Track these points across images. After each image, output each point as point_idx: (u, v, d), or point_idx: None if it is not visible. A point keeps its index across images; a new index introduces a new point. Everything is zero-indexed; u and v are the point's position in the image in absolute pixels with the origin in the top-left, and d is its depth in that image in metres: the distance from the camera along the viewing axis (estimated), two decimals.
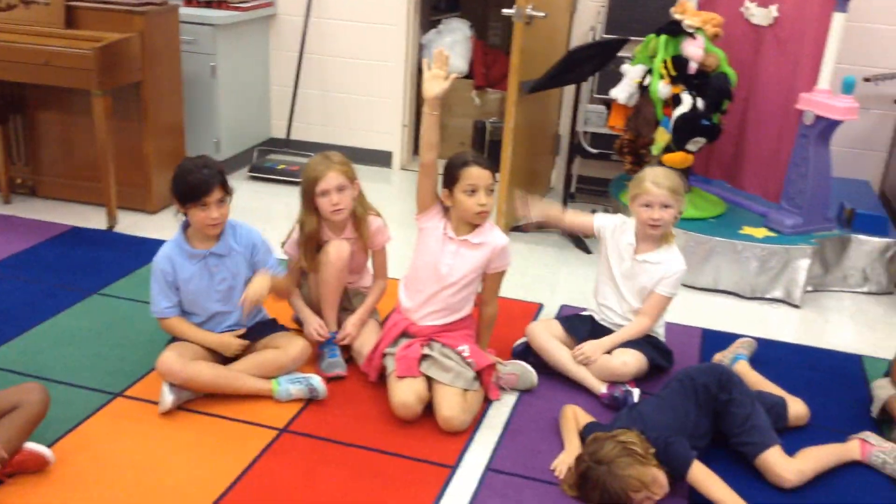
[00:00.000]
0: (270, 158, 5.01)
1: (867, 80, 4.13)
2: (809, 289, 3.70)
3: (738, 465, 2.42)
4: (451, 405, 2.55)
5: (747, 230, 3.70)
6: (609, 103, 3.95)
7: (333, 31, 5.01)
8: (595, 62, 4.04)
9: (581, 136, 4.63)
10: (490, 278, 2.75)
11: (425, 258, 2.70)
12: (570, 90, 4.68)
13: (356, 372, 2.84)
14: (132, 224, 4.07)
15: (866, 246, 3.71)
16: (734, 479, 2.29)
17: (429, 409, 2.60)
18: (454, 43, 5.22)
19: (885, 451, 2.47)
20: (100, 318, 3.14)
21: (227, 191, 2.62)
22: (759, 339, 3.15)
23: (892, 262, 3.71)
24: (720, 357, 3.01)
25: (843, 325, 3.50)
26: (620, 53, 4.03)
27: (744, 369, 2.90)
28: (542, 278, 3.80)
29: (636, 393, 2.72)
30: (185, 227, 2.68)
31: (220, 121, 4.72)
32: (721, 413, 2.47)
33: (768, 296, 3.64)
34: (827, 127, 3.49)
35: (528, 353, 2.96)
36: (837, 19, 3.40)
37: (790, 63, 3.71)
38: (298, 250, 2.86)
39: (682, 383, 2.52)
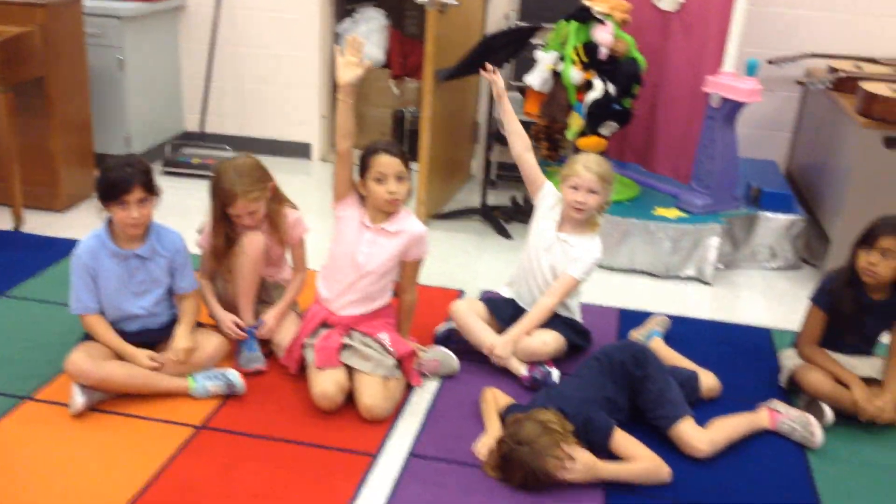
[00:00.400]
0: (184, 153, 4.90)
1: (771, 62, 4.27)
2: (720, 266, 3.81)
3: (654, 438, 2.48)
4: (373, 393, 2.55)
5: (660, 211, 3.79)
6: (524, 90, 3.99)
7: (245, 21, 4.92)
8: (509, 49, 4.08)
9: (499, 124, 4.65)
10: (408, 266, 2.75)
11: (342, 247, 2.68)
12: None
13: (276, 365, 2.81)
14: (40, 224, 3.93)
15: (773, 223, 3.84)
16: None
17: (350, 398, 2.59)
18: (370, 32, 5.19)
19: (793, 418, 2.57)
20: (7, 320, 3.02)
21: (150, 191, 2.56)
22: (673, 317, 3.24)
23: (798, 237, 3.86)
24: (636, 335, 3.09)
25: (752, 300, 3.62)
26: (534, 40, 4.08)
27: (658, 346, 2.98)
28: (464, 265, 3.82)
29: (556, 374, 2.76)
30: (110, 222, 2.60)
31: (130, 116, 4.59)
32: (637, 389, 2.53)
33: (682, 274, 3.74)
34: (733, 109, 3.60)
35: (449, 339, 2.98)
36: (740, 3, 3.50)
37: (697, 47, 3.81)
38: (209, 256, 2.81)
39: (599, 361, 2.57)
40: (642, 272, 3.78)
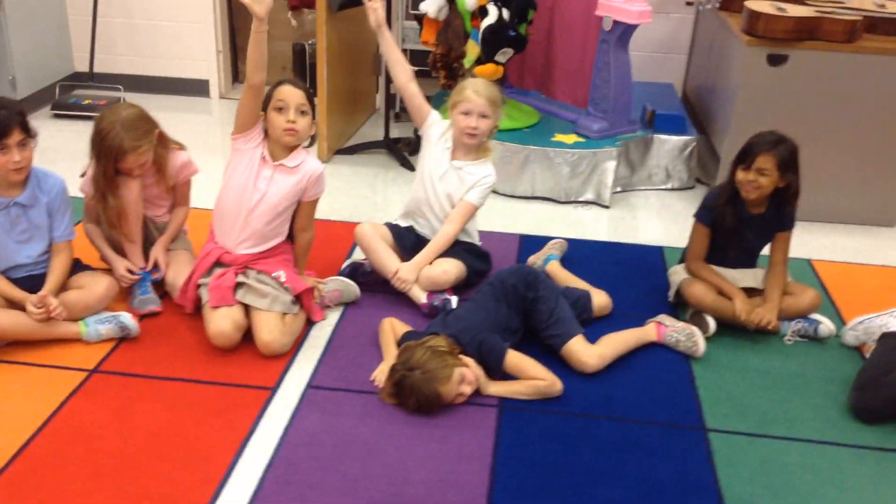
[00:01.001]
0: (75, 94, 4.71)
1: None
2: (619, 189, 3.91)
3: (548, 358, 2.56)
4: (270, 329, 2.55)
5: (559, 137, 3.84)
6: (421, 18, 3.94)
7: None
8: None
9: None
10: (306, 206, 2.74)
11: (238, 182, 2.63)
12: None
13: (172, 306, 2.78)
14: None
15: (667, 145, 3.94)
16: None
17: (249, 335, 2.59)
18: None
19: (678, 330, 2.69)
20: None
21: (28, 133, 2.46)
22: (571, 240, 3.32)
23: (691, 158, 3.96)
24: (534, 259, 3.16)
25: (648, 220, 3.73)
26: None
27: (554, 268, 3.06)
28: (368, 198, 3.82)
29: (454, 300, 2.81)
30: None
31: (13, 57, 4.39)
32: (529, 310, 2.60)
33: (581, 198, 3.82)
34: (624, 31, 3.64)
35: (354, 274, 2.97)
36: None
37: None
38: (94, 190, 2.74)
39: (493, 286, 2.63)
40: (543, 198, 3.84)
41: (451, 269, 2.85)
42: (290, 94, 2.58)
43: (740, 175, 2.69)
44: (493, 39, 3.65)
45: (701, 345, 2.65)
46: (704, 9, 3.84)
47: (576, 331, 2.57)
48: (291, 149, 2.64)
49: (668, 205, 3.88)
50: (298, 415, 2.32)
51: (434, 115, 2.96)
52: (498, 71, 3.74)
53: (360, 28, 4.37)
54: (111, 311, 2.64)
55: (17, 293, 2.51)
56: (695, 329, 2.69)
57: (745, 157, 2.68)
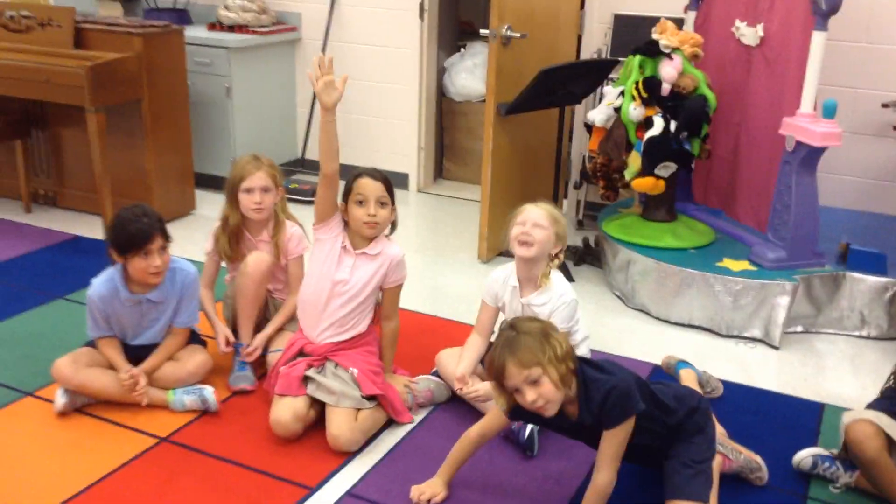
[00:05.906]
0: (289, 178, 5.10)
1: (885, 105, 3.80)
2: (798, 329, 3.41)
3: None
4: (339, 423, 2.49)
5: (726, 263, 3.44)
6: (591, 128, 3.79)
7: (352, 54, 5.08)
8: (586, 83, 3.91)
9: (586, 161, 4.47)
10: (389, 293, 2.70)
11: (321, 270, 2.64)
12: (579, 114, 4.57)
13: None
14: None
15: (862, 285, 3.37)
16: None
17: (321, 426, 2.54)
18: (475, 66, 5.19)
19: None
20: (51, 321, 3.27)
21: (167, 237, 2.63)
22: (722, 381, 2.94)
23: (892, 303, 3.36)
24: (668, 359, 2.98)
25: (827, 370, 3.16)
26: (614, 74, 3.89)
27: (689, 378, 2.84)
28: None
29: (529, 428, 2.56)
30: (124, 268, 2.66)
31: (236, 139, 4.87)
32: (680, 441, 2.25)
33: (746, 334, 3.37)
34: (809, 154, 3.22)
35: None
36: (817, 38, 3.13)
37: (778, 84, 3.45)
38: (215, 244, 2.93)
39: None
40: (701, 328, 3.44)
41: None
42: (370, 188, 2.57)
43: None
44: (655, 152, 3.41)
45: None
46: None
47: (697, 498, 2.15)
48: (372, 238, 2.62)
49: (858, 354, 3.29)
50: None
51: (484, 299, 2.81)
52: (658, 185, 3.46)
53: (539, 131, 4.31)
54: (204, 383, 2.74)
55: (120, 362, 2.67)
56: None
57: None
